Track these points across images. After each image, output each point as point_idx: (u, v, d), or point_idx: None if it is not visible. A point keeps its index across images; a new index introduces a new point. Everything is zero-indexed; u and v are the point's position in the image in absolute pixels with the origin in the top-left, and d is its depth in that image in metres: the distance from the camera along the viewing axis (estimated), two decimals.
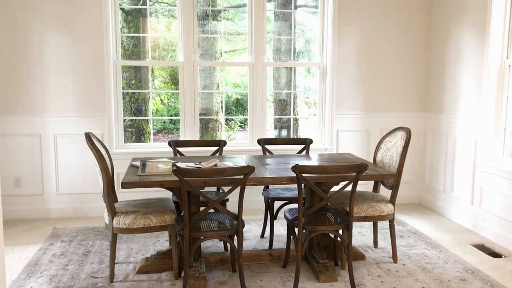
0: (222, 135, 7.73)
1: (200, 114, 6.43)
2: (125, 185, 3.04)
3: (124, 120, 5.20)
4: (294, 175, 3.10)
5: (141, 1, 7.26)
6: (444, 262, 3.74)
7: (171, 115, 8.50)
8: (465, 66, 4.67)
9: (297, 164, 3.00)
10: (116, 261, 3.61)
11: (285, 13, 6.85)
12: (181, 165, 3.49)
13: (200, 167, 3.35)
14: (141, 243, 4.13)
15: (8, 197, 4.80)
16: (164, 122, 8.67)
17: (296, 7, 6.86)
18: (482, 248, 4.12)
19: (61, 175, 4.90)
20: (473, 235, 4.44)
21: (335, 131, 5.29)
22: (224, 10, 7.44)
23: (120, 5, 5.04)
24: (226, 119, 8.39)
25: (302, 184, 3.11)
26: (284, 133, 7.86)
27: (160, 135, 8.73)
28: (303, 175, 3.04)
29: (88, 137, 3.26)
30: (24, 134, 4.80)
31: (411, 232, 4.50)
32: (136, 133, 7.58)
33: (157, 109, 8.69)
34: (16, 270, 3.54)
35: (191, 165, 3.49)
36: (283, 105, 7.82)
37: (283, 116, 7.23)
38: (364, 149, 5.35)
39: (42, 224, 4.70)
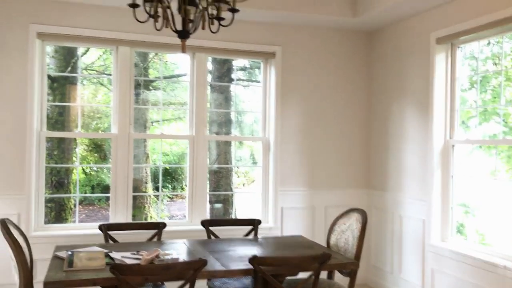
0: (151, 209, 7.19)
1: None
2: (48, 285, 2.51)
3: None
4: (249, 266, 2.74)
5: (69, 68, 6.84)
6: None
7: (93, 185, 7.81)
8: (409, 144, 4.68)
9: (256, 256, 2.65)
10: None
11: (222, 86, 6.72)
12: (116, 255, 3.00)
13: (139, 258, 2.89)
14: None
15: None
16: (85, 192, 7.94)
17: (231, 80, 6.77)
18: None
19: None
20: None
21: (279, 208, 5.02)
22: (157, 80, 7.17)
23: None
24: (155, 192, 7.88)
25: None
26: (218, 205, 7.47)
27: (80, 206, 7.95)
28: (262, 267, 2.69)
29: (4, 225, 2.72)
30: None
31: None
32: (56, 208, 6.81)
33: (78, 179, 8.00)
34: None
35: (127, 255, 3.01)
36: (218, 178, 7.50)
37: (221, 192, 6.87)
38: (310, 227, 5.09)
39: None
